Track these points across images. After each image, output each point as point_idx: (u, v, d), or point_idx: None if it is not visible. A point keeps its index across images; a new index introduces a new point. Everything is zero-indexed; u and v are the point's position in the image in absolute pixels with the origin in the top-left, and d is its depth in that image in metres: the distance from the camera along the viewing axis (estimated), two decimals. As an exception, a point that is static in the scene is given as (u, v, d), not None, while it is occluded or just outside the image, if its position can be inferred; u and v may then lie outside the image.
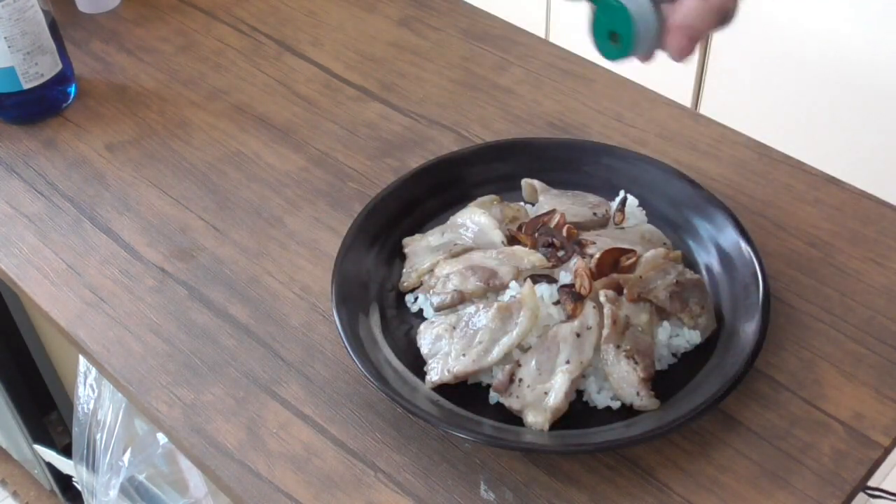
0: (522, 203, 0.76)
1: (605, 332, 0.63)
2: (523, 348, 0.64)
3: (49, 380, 1.27)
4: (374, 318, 0.69)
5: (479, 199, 0.75)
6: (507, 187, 0.77)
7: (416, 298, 0.71)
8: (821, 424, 0.63)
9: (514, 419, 0.63)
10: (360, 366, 0.63)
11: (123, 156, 0.86)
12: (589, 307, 0.64)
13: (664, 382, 0.64)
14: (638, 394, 0.62)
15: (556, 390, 0.62)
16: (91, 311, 0.73)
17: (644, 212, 0.75)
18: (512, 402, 0.63)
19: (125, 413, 0.95)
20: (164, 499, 1.05)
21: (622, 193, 0.75)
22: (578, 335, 0.63)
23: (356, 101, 0.91)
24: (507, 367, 0.63)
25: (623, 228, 0.73)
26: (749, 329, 0.65)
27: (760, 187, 0.79)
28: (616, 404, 0.63)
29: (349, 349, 0.64)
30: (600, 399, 0.64)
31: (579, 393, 0.64)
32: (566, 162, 0.78)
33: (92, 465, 1.04)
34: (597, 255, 0.67)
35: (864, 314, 0.70)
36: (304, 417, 0.65)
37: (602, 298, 0.64)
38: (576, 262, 0.67)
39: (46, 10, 0.87)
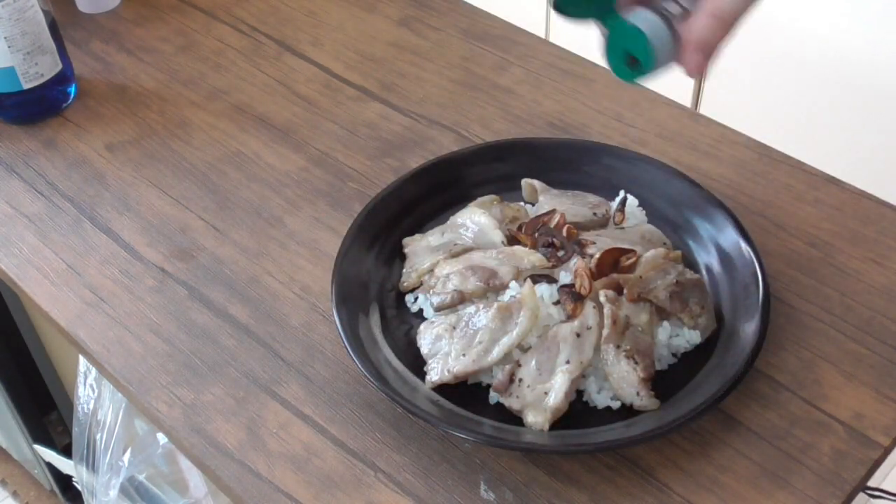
0: (522, 203, 0.76)
1: (605, 332, 0.63)
2: (523, 348, 0.64)
3: (49, 380, 1.27)
4: (374, 318, 0.69)
5: (479, 199, 0.75)
6: (507, 187, 0.77)
7: (416, 298, 0.71)
8: (821, 424, 0.63)
9: (514, 419, 0.63)
10: (360, 366, 0.63)
11: (123, 156, 0.86)
12: (589, 307, 0.64)
13: (664, 382, 0.64)
14: (638, 394, 0.62)
15: (556, 390, 0.62)
16: (91, 311, 0.73)
17: (644, 212, 0.75)
18: (512, 402, 0.63)
19: (125, 413, 0.95)
20: (164, 499, 1.05)
21: (622, 193, 0.75)
22: (578, 335, 0.63)
23: (356, 101, 0.91)
24: (507, 367, 0.63)
25: (623, 228, 0.73)
26: (749, 329, 0.65)
27: (760, 187, 0.79)
28: (616, 404, 0.63)
29: (349, 349, 0.64)
30: (600, 399, 0.64)
31: (579, 393, 0.64)
32: (566, 162, 0.78)
33: (92, 465, 1.04)
34: (597, 255, 0.67)
35: (864, 314, 0.70)
36: (304, 417, 0.65)
37: (602, 298, 0.64)
38: (576, 262, 0.67)
39: (46, 10, 0.87)
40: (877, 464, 0.61)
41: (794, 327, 0.69)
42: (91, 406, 0.99)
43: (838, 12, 0.91)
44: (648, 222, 0.74)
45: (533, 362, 0.63)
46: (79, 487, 1.15)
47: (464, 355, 0.64)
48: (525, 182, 0.77)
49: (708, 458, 0.62)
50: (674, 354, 0.66)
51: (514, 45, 0.96)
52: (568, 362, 0.62)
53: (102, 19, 1.04)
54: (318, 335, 0.70)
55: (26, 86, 0.87)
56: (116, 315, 0.72)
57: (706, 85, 1.07)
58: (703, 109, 1.07)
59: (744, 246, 0.69)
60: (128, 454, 0.99)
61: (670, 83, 0.83)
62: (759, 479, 0.60)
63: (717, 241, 0.71)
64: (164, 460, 0.99)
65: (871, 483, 0.62)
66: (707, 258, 0.72)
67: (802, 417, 0.63)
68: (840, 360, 0.67)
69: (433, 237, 0.73)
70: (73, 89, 0.92)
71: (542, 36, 1.01)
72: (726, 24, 0.53)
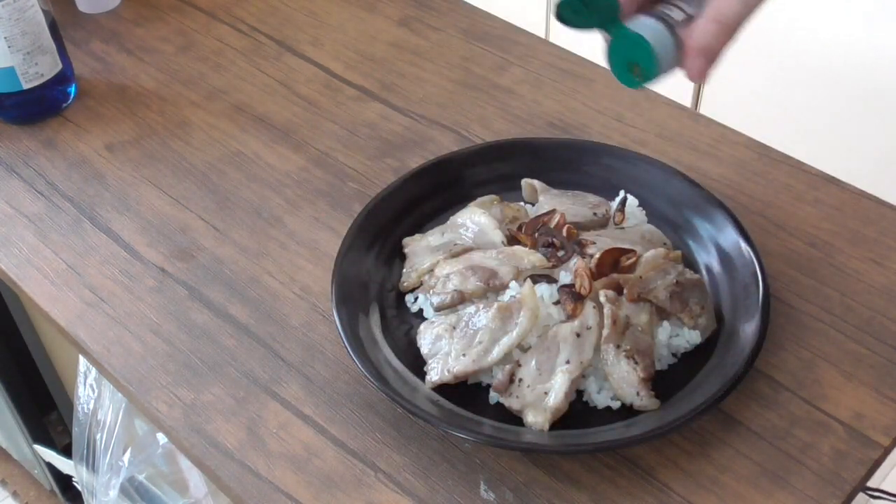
0: (522, 203, 0.76)
1: (605, 332, 0.63)
2: (523, 348, 0.64)
3: (49, 380, 1.27)
4: (374, 318, 0.69)
5: (479, 199, 0.75)
6: (507, 187, 0.77)
7: (416, 298, 0.71)
8: (821, 424, 0.63)
9: (514, 419, 0.63)
10: (360, 366, 0.63)
11: (123, 156, 0.86)
12: (589, 307, 0.64)
13: (664, 382, 0.64)
14: (638, 394, 0.62)
15: (556, 390, 0.62)
16: (91, 311, 0.73)
17: (644, 212, 0.75)
18: (512, 402, 0.63)
19: (125, 413, 0.95)
20: (164, 499, 1.05)
21: (622, 193, 0.75)
22: (578, 335, 0.63)
23: (356, 101, 0.91)
24: (507, 367, 0.63)
25: (623, 228, 0.73)
26: (749, 329, 0.65)
27: (760, 187, 0.79)
28: (616, 404, 0.63)
29: (349, 349, 0.64)
30: (600, 399, 0.64)
31: (579, 393, 0.64)
32: (566, 162, 0.78)
33: (92, 465, 1.04)
34: (597, 255, 0.67)
35: (864, 314, 0.70)
36: (304, 417, 0.65)
37: (602, 298, 0.64)
38: (576, 262, 0.67)
39: (46, 10, 0.87)
40: (877, 464, 0.61)
41: (794, 327, 0.69)
42: (91, 406, 0.99)
43: (838, 12, 0.91)
44: (648, 222, 0.74)
45: (533, 362, 0.63)
46: (79, 487, 1.15)
47: (464, 355, 0.64)
48: (525, 182, 0.77)
49: (708, 458, 0.62)
50: (674, 354, 0.66)
51: (514, 45, 0.96)
52: (568, 362, 0.62)
53: (102, 19, 1.04)
54: (318, 335, 0.70)
55: (26, 86, 0.87)
56: (116, 315, 0.72)
57: (706, 85, 1.07)
58: (703, 109, 1.06)
59: (744, 246, 0.69)
60: (128, 454, 0.99)
61: (670, 83, 0.83)
62: (759, 479, 0.60)
63: (717, 241, 0.71)
64: (164, 460, 0.99)
65: (871, 483, 0.62)
66: (707, 258, 0.72)
67: (802, 417, 0.63)
68: (840, 360, 0.67)
69: (433, 237, 0.73)
70: (73, 89, 0.92)
71: (542, 36, 1.01)
72: (728, 30, 0.53)
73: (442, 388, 0.64)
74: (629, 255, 0.67)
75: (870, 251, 0.74)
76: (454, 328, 0.65)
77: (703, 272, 0.71)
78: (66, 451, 1.27)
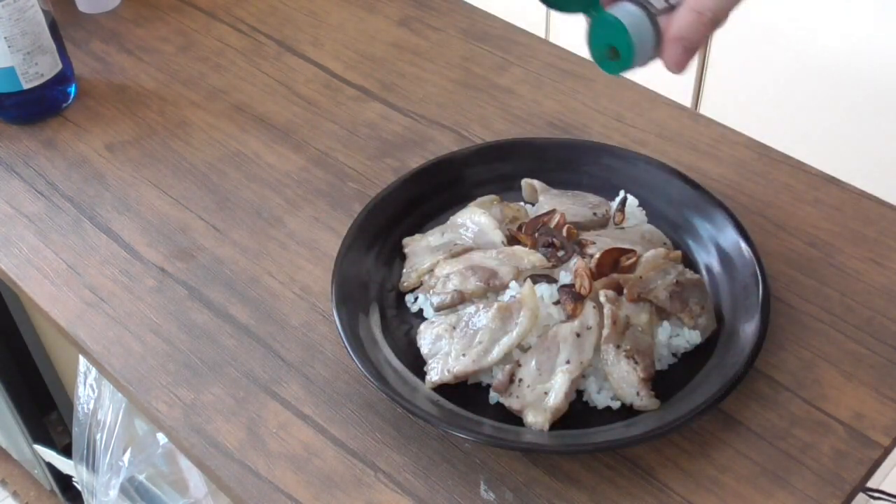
0: (522, 203, 0.76)
1: (605, 332, 0.63)
2: (523, 348, 0.64)
3: (49, 380, 1.27)
4: (374, 318, 0.69)
5: (479, 199, 0.75)
6: (507, 187, 0.77)
7: (416, 298, 0.71)
8: (821, 424, 0.63)
9: (514, 419, 0.63)
10: (360, 366, 0.63)
11: (123, 156, 0.86)
12: (589, 307, 0.64)
13: (664, 382, 0.64)
14: (638, 394, 0.62)
15: (556, 390, 0.62)
16: (91, 311, 0.73)
17: (644, 212, 0.75)
18: (512, 402, 0.63)
19: (125, 413, 0.95)
20: (164, 499, 1.05)
21: (622, 193, 0.75)
22: (578, 335, 0.63)
23: (356, 101, 0.91)
24: (507, 367, 0.63)
25: (623, 228, 0.73)
26: (749, 329, 0.65)
27: (760, 187, 0.79)
28: (616, 404, 0.63)
29: (349, 349, 0.64)
30: (600, 399, 0.64)
31: (579, 393, 0.64)
32: (566, 162, 0.78)
33: (92, 465, 1.04)
34: (597, 255, 0.67)
35: (864, 314, 0.70)
36: (304, 417, 0.65)
37: (602, 298, 0.64)
38: (576, 262, 0.67)
39: (46, 10, 0.87)
40: (877, 464, 0.61)
41: (794, 327, 0.69)
42: (91, 406, 0.99)
43: (838, 12, 0.91)
44: (648, 222, 0.74)
45: (533, 362, 0.63)
46: (79, 487, 1.15)
47: (464, 355, 0.64)
48: (525, 182, 0.77)
49: (708, 458, 0.62)
50: (674, 354, 0.66)
51: (514, 45, 0.96)
52: (568, 362, 0.62)
53: (102, 19, 1.04)
54: (318, 335, 0.70)
55: (26, 86, 0.87)
56: (116, 315, 0.72)
57: (706, 85, 1.07)
58: (703, 109, 1.06)
59: (744, 246, 0.69)
60: (128, 454, 0.99)
61: (670, 83, 0.83)
62: (759, 479, 0.60)
63: (717, 241, 0.71)
64: (164, 460, 1.00)
65: (871, 483, 0.62)
66: (707, 258, 0.72)
67: (802, 417, 0.63)
68: (840, 360, 0.67)
69: (433, 237, 0.73)
70: (73, 89, 0.92)
71: (542, 36, 1.01)
72: (708, 20, 0.53)
73: (442, 388, 0.64)
74: (629, 255, 0.67)
75: (870, 251, 0.74)
76: (454, 328, 0.65)
77: (703, 272, 0.71)
78: (66, 451, 1.27)
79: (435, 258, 0.71)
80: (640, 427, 0.61)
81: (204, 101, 0.92)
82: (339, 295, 0.68)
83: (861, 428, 0.63)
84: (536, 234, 0.70)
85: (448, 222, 0.75)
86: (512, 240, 0.71)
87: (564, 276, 0.67)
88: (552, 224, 0.70)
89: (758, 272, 0.67)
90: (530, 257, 0.68)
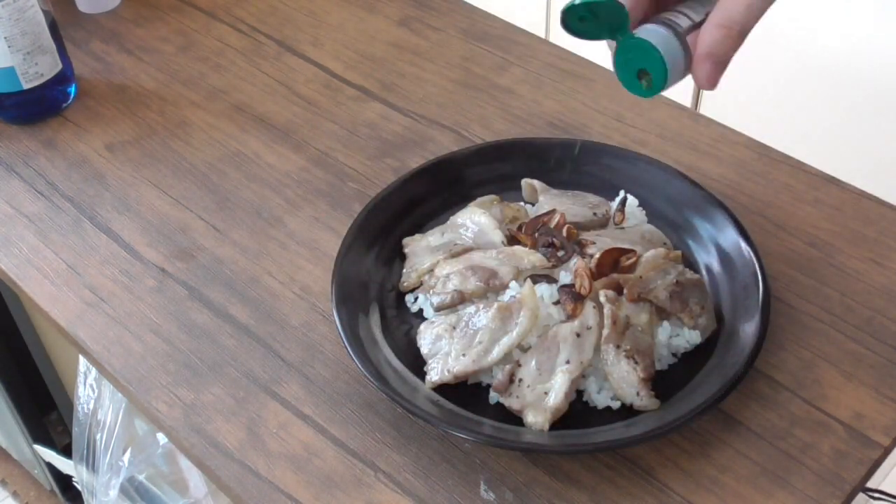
0: (522, 203, 0.76)
1: (605, 332, 0.63)
2: (523, 348, 0.64)
3: (49, 380, 1.27)
4: (374, 318, 0.69)
5: (479, 199, 0.75)
6: (507, 187, 0.77)
7: (416, 298, 0.71)
8: (821, 424, 0.63)
9: (514, 419, 0.63)
10: (360, 366, 0.63)
11: (123, 156, 0.86)
12: (589, 307, 0.64)
13: (664, 382, 0.64)
14: (638, 394, 0.62)
15: (556, 390, 0.62)
16: (91, 311, 0.73)
17: (644, 212, 0.75)
18: (512, 402, 0.63)
19: (125, 413, 0.95)
20: (164, 499, 1.05)
21: (622, 193, 0.75)
22: (578, 335, 0.63)
23: (356, 101, 0.91)
24: (507, 367, 0.63)
25: (623, 228, 0.73)
26: (749, 329, 0.65)
27: (760, 187, 0.79)
28: (616, 404, 0.63)
29: (349, 349, 0.64)
30: (600, 399, 0.64)
31: (579, 393, 0.64)
32: (566, 162, 0.78)
33: (92, 465, 1.04)
34: (597, 255, 0.67)
35: (864, 314, 0.70)
36: (304, 417, 0.65)
37: (602, 298, 0.64)
38: (576, 262, 0.67)
39: (46, 10, 0.87)
40: (877, 464, 0.61)
41: (794, 327, 0.69)
42: (91, 406, 0.99)
43: (838, 12, 0.91)
44: (648, 222, 0.74)
45: (533, 362, 0.63)
46: (79, 487, 1.15)
47: (464, 355, 0.64)
48: (525, 182, 0.77)
49: (708, 458, 0.62)
50: (674, 354, 0.66)
51: (514, 45, 0.96)
52: (568, 362, 0.62)
53: (102, 19, 1.04)
54: (318, 335, 0.70)
55: (26, 86, 0.87)
56: (116, 315, 0.72)
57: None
58: (703, 109, 1.07)
59: (744, 246, 0.69)
60: (128, 454, 0.99)
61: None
62: (759, 479, 0.60)
63: (717, 241, 0.71)
64: (164, 460, 1.00)
65: (871, 483, 0.62)
66: (707, 258, 0.72)
67: (802, 417, 0.63)
68: (840, 360, 0.67)
69: (433, 237, 0.73)
70: (73, 89, 0.92)
71: (542, 36, 1.01)
72: (735, 34, 0.53)
73: (442, 388, 0.64)
74: (629, 255, 0.67)
75: (870, 251, 0.74)
76: (454, 328, 0.65)
77: (703, 272, 0.71)
78: (66, 451, 1.27)
79: (435, 258, 0.71)
80: (640, 427, 0.61)
81: (204, 101, 0.92)
82: (339, 295, 0.68)
83: (861, 428, 0.63)
84: (536, 234, 0.70)
85: (448, 222, 0.75)
86: (512, 240, 0.71)
87: (564, 276, 0.67)
88: (552, 224, 0.70)
89: (758, 272, 0.67)
90: (530, 257, 0.68)
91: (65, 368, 1.22)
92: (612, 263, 0.67)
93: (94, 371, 0.97)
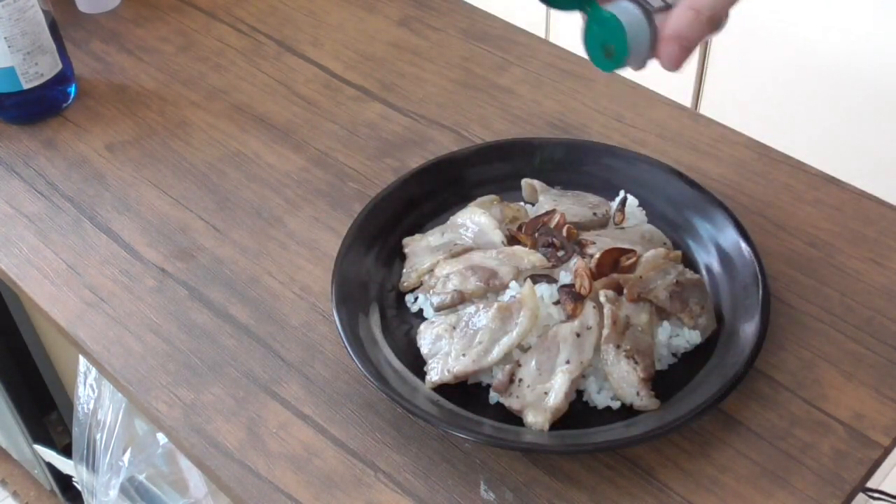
0: (522, 203, 0.76)
1: (605, 332, 0.63)
2: (523, 348, 0.64)
3: (49, 380, 1.27)
4: (374, 318, 0.69)
5: (479, 199, 0.75)
6: (507, 187, 0.77)
7: (416, 298, 0.71)
8: (821, 424, 0.63)
9: (514, 419, 0.63)
10: (360, 366, 0.63)
11: (123, 156, 0.86)
12: (589, 307, 0.64)
13: (664, 382, 0.64)
14: (638, 394, 0.62)
15: (556, 390, 0.62)
16: (91, 311, 0.73)
17: (644, 212, 0.75)
18: (512, 402, 0.63)
19: (125, 413, 0.95)
20: (164, 499, 1.05)
21: (622, 193, 0.75)
22: (578, 335, 0.63)
23: (356, 101, 0.91)
24: (507, 367, 0.63)
25: (623, 228, 0.73)
26: (749, 329, 0.65)
27: (760, 187, 0.79)
28: (616, 404, 0.63)
29: (349, 349, 0.64)
30: (600, 399, 0.64)
31: (579, 393, 0.64)
32: (566, 162, 0.78)
33: (92, 465, 1.04)
34: (597, 255, 0.67)
35: (864, 314, 0.70)
36: (304, 417, 0.65)
37: (602, 298, 0.64)
38: (576, 262, 0.67)
39: (46, 10, 0.87)
40: (877, 464, 0.61)
41: (794, 327, 0.69)
42: (91, 406, 0.99)
43: (838, 12, 0.91)
44: (648, 222, 0.74)
45: (533, 362, 0.63)
46: (79, 487, 1.15)
47: (464, 355, 0.64)
48: (525, 182, 0.77)
49: (708, 458, 0.62)
50: (674, 354, 0.66)
51: (514, 45, 0.96)
52: (568, 362, 0.62)
53: (102, 19, 1.04)
54: (318, 335, 0.70)
55: (26, 86, 0.87)
56: (116, 315, 0.72)
57: (706, 85, 1.07)
58: (703, 109, 1.07)
59: (744, 246, 0.69)
60: (128, 454, 0.99)
61: (670, 83, 0.83)
62: (759, 479, 0.60)
63: (717, 241, 0.71)
64: (164, 460, 1.00)
65: (871, 483, 0.62)
66: (707, 258, 0.72)
67: (802, 417, 0.63)
68: (840, 360, 0.67)
69: (433, 237, 0.73)
70: (73, 89, 0.92)
71: (542, 36, 1.01)
72: (704, 18, 0.53)
73: (442, 388, 0.64)
74: (629, 255, 0.67)
75: (870, 251, 0.74)
76: (454, 328, 0.65)
77: (703, 272, 0.71)
78: (66, 451, 1.27)
79: (435, 258, 0.71)
80: (640, 427, 0.61)
81: (204, 101, 0.92)
82: (339, 295, 0.68)
83: (861, 428, 0.63)
84: (536, 234, 0.70)
85: (448, 222, 0.75)
86: (512, 240, 0.71)
87: (564, 276, 0.67)
88: (552, 224, 0.70)
89: (758, 272, 0.67)
90: (530, 257, 0.68)
91: (65, 368, 1.22)
92: (612, 263, 0.67)
93: (94, 371, 0.97)
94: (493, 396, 0.64)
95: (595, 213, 0.73)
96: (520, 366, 0.63)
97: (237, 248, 0.77)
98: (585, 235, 0.70)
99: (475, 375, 0.65)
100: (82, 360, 0.97)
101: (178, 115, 0.90)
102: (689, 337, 0.66)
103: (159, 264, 0.76)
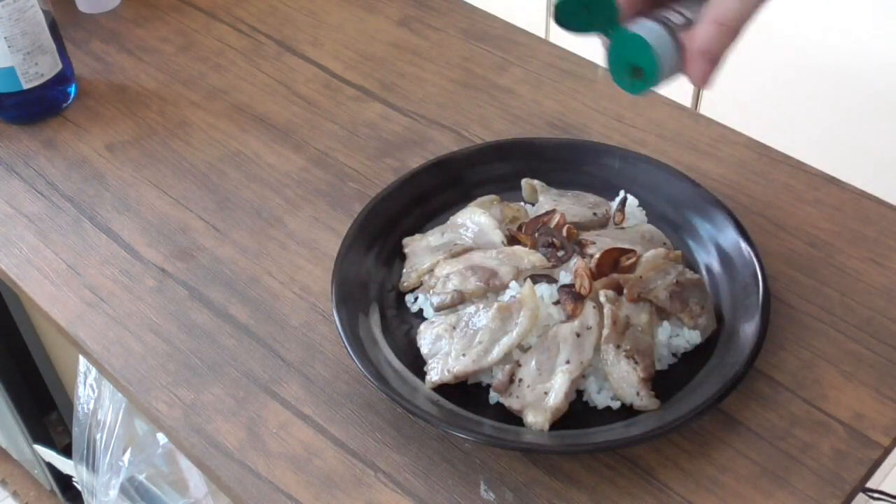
0: (522, 203, 0.76)
1: (605, 332, 0.63)
2: (523, 348, 0.64)
3: (49, 380, 1.27)
4: (374, 318, 0.69)
5: (479, 199, 0.75)
6: (507, 187, 0.77)
7: (416, 298, 0.71)
8: (821, 424, 0.63)
9: (514, 419, 0.63)
10: (360, 366, 0.63)
11: (123, 156, 0.86)
12: (589, 307, 0.64)
13: (664, 382, 0.64)
14: (638, 394, 0.62)
15: (556, 390, 0.62)
16: (91, 311, 0.73)
17: (644, 212, 0.75)
18: (512, 402, 0.63)
19: (125, 413, 0.95)
20: (164, 499, 1.05)
21: (622, 193, 0.75)
22: (578, 335, 0.63)
23: (356, 101, 0.91)
24: (507, 367, 0.63)
25: (623, 228, 0.73)
26: (749, 329, 0.65)
27: (760, 187, 0.79)
28: (616, 404, 0.63)
29: (349, 349, 0.64)
30: (600, 399, 0.64)
31: (579, 393, 0.64)
32: (566, 162, 0.78)
33: (92, 465, 1.04)
34: (597, 255, 0.67)
35: (864, 314, 0.70)
36: (304, 417, 0.65)
37: (602, 298, 0.64)
38: (576, 262, 0.67)
39: (46, 10, 0.87)
40: (877, 464, 0.61)
41: (794, 327, 0.69)
42: (91, 406, 0.99)
43: (838, 12, 0.91)
44: (648, 222, 0.74)
45: (533, 362, 0.63)
46: (79, 487, 1.15)
47: (464, 355, 0.64)
48: (525, 182, 0.77)
49: (708, 458, 0.62)
50: (674, 354, 0.66)
51: (514, 45, 0.96)
52: (568, 362, 0.62)
53: (102, 19, 1.04)
54: (318, 335, 0.70)
55: (26, 86, 0.87)
56: (116, 315, 0.72)
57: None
58: (703, 109, 1.06)
59: (744, 246, 0.69)
60: (128, 454, 0.99)
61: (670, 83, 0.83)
62: (759, 479, 0.60)
63: (717, 241, 0.71)
64: (164, 460, 1.00)
65: (871, 483, 0.62)
66: (707, 258, 0.72)
67: (802, 417, 0.63)
68: (840, 360, 0.67)
69: (433, 237, 0.73)
70: (73, 89, 0.92)
71: (542, 36, 1.01)
72: (729, 31, 0.53)
73: (442, 388, 0.64)
74: (629, 255, 0.67)
75: (870, 251, 0.74)
76: (454, 328, 0.65)
77: (703, 272, 0.71)
78: (66, 451, 1.27)
79: (435, 258, 0.71)
80: (640, 427, 0.61)
81: (204, 101, 0.92)
82: (339, 295, 0.68)
83: (861, 428, 0.63)
84: (536, 234, 0.70)
85: (448, 222, 0.75)
86: (512, 240, 0.71)
87: (564, 276, 0.67)
88: (552, 224, 0.70)
89: (758, 272, 0.67)
90: (530, 257, 0.68)
91: (65, 368, 1.22)
92: (612, 263, 0.67)
93: (94, 371, 0.97)
94: (493, 396, 0.64)
95: (595, 213, 0.73)
96: (520, 366, 0.63)
97: (237, 248, 0.77)
98: (585, 235, 0.70)
99: (475, 375, 0.65)
100: (82, 360, 0.97)
101: (178, 115, 0.90)
102: (689, 337, 0.66)
103: (159, 264, 0.76)
